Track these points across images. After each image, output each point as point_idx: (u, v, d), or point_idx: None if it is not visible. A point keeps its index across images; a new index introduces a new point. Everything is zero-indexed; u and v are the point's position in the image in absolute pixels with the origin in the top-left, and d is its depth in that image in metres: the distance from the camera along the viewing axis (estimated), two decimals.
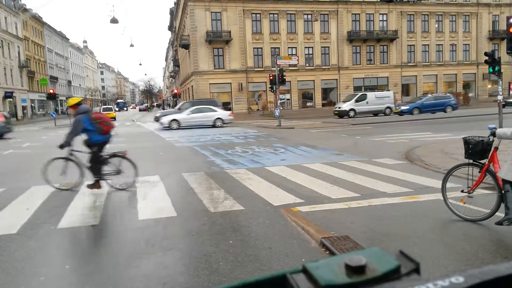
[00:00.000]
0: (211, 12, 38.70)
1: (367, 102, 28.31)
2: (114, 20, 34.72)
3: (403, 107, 27.02)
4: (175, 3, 58.37)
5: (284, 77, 22.83)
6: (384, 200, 5.54)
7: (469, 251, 3.66)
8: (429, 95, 30.71)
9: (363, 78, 43.83)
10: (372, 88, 44.52)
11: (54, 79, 64.51)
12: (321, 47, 42.31)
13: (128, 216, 5.28)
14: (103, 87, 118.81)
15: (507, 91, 29.87)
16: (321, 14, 41.80)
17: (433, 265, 3.38)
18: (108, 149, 7.41)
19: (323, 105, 42.01)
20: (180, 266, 3.64)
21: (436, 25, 45.68)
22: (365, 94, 29.57)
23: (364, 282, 0.43)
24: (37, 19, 60.16)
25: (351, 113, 27.53)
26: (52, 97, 34.05)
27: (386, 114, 28.28)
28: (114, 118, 41.52)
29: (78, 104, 6.97)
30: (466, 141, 4.46)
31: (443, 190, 4.76)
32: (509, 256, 3.54)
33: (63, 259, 3.90)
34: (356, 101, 28.31)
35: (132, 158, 7.19)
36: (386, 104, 28.63)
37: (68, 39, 78.36)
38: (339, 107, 28.70)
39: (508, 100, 31.43)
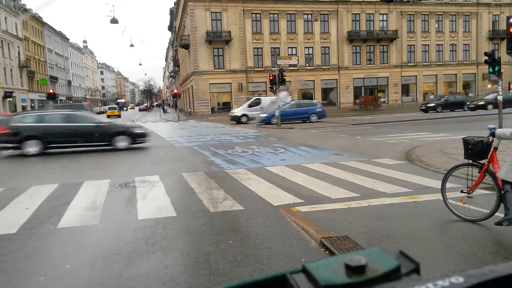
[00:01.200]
0: (211, 12, 38.71)
1: (261, 108, 26.30)
2: (114, 20, 34.72)
3: (261, 115, 24.36)
4: (175, 3, 58.39)
5: (284, 77, 22.84)
6: (384, 200, 5.54)
7: (468, 251, 3.66)
8: (292, 101, 27.80)
9: (363, 78, 43.84)
10: (372, 89, 44.63)
11: (54, 79, 64.50)
12: (321, 47, 42.31)
13: (128, 216, 5.28)
14: (103, 87, 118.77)
15: (507, 91, 29.36)
16: (321, 14, 41.81)
17: (432, 265, 3.38)
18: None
19: (323, 105, 41.97)
20: (179, 266, 3.64)
21: (436, 25, 45.69)
22: (259, 98, 27.64)
23: (364, 282, 0.43)
24: (37, 19, 60.15)
25: (243, 119, 25.87)
26: (52, 97, 34.01)
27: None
28: (119, 116, 50.35)
29: None
30: (466, 142, 4.46)
31: (443, 190, 4.76)
32: (509, 256, 3.54)
33: (63, 259, 3.89)
34: (250, 106, 26.70)
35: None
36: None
37: (68, 39, 78.35)
38: (233, 112, 27.56)
39: (429, 105, 30.38)
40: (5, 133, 11.92)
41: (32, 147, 11.97)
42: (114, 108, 52.26)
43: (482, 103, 29.12)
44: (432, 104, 30.41)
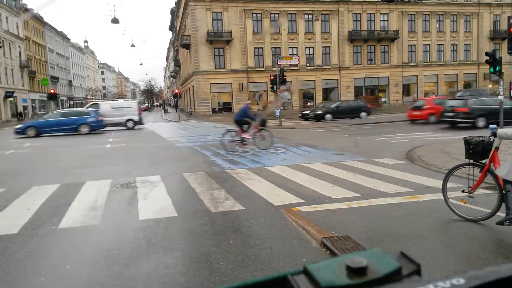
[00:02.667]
0: (212, 12, 38.72)
1: (100, 114, 24.00)
2: (115, 20, 34.73)
3: (16, 126, 21.69)
4: (176, 3, 58.39)
5: (284, 77, 22.83)
6: (385, 200, 5.54)
7: (470, 251, 3.66)
8: (59, 110, 23.96)
9: (364, 78, 43.83)
10: (373, 89, 44.60)
11: (55, 79, 64.57)
12: (322, 47, 42.30)
13: (129, 216, 5.28)
14: (104, 87, 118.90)
15: (508, 91, 28.84)
16: (322, 14, 41.80)
17: (434, 265, 3.37)
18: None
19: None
20: (180, 266, 3.64)
21: (437, 25, 45.65)
22: (97, 104, 25.51)
23: (365, 284, 0.43)
24: (38, 19, 60.22)
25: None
26: (53, 97, 34.10)
27: (129, 127, 24.47)
28: None
29: None
30: (467, 141, 4.45)
31: (444, 190, 4.75)
32: (510, 256, 3.53)
33: (64, 259, 3.90)
34: None
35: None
36: (128, 116, 24.50)
37: (69, 39, 78.43)
38: None
39: (317, 112, 25.66)
40: (464, 111, 15.97)
41: (480, 123, 15.41)
42: None
43: (320, 112, 25.69)
44: (320, 112, 25.83)
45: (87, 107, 25.14)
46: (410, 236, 4.14)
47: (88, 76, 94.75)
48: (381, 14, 43.59)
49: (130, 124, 24.74)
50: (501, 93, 12.00)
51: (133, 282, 3.34)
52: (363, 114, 25.59)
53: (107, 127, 23.90)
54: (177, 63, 62.62)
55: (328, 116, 25.12)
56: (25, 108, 52.10)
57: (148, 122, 35.09)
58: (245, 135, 11.78)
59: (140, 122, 25.46)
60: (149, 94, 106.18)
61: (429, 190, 5.96)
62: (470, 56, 47.17)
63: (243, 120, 11.93)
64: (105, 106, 25.11)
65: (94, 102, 26.29)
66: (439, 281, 0.40)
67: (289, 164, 9.03)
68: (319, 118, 25.17)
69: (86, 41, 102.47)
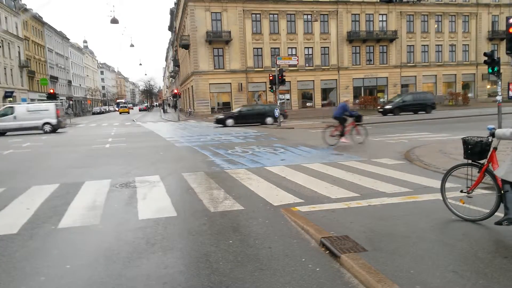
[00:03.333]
0: (211, 13, 38.74)
1: (15, 117, 23.15)
2: (114, 20, 34.72)
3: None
4: (175, 4, 58.41)
5: (283, 77, 22.85)
6: (384, 200, 5.55)
7: (468, 251, 3.67)
8: None
9: (363, 78, 43.90)
10: (372, 89, 44.65)
11: (54, 79, 64.50)
12: (321, 47, 42.35)
13: (129, 216, 5.29)
14: (103, 87, 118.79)
15: (506, 91, 29.00)
16: (320, 14, 41.84)
17: (432, 265, 3.38)
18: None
19: (323, 105, 42.09)
20: (180, 265, 3.65)
21: (436, 26, 45.74)
22: (12, 107, 24.13)
23: None
24: (37, 19, 60.14)
25: None
26: (52, 97, 34.08)
27: (46, 131, 23.59)
28: (128, 112, 63.89)
29: None
30: (465, 142, 4.46)
31: (442, 190, 4.77)
32: (508, 256, 3.55)
33: (63, 259, 3.90)
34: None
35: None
36: (45, 119, 23.67)
37: (69, 39, 78.35)
38: None
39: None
40: None
41: None
42: (125, 106, 69.64)
43: (221, 116, 25.65)
44: (222, 116, 25.40)
45: (2, 111, 24.02)
46: (409, 236, 4.15)
47: (87, 76, 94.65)
48: (379, 14, 43.66)
49: (47, 128, 23.69)
50: (499, 93, 12.02)
51: (132, 282, 3.34)
52: (268, 119, 24.67)
53: (23, 131, 23.18)
54: (176, 63, 62.62)
55: (229, 121, 24.50)
56: None
57: (147, 122, 35.07)
58: (344, 140, 12.62)
59: (59, 126, 24.42)
60: (149, 94, 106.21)
61: (427, 190, 5.98)
62: (469, 56, 47.29)
63: (342, 117, 12.71)
64: (21, 109, 23.82)
65: (9, 105, 24.65)
66: None
67: (288, 164, 9.05)
68: (220, 122, 24.69)
69: (85, 41, 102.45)
